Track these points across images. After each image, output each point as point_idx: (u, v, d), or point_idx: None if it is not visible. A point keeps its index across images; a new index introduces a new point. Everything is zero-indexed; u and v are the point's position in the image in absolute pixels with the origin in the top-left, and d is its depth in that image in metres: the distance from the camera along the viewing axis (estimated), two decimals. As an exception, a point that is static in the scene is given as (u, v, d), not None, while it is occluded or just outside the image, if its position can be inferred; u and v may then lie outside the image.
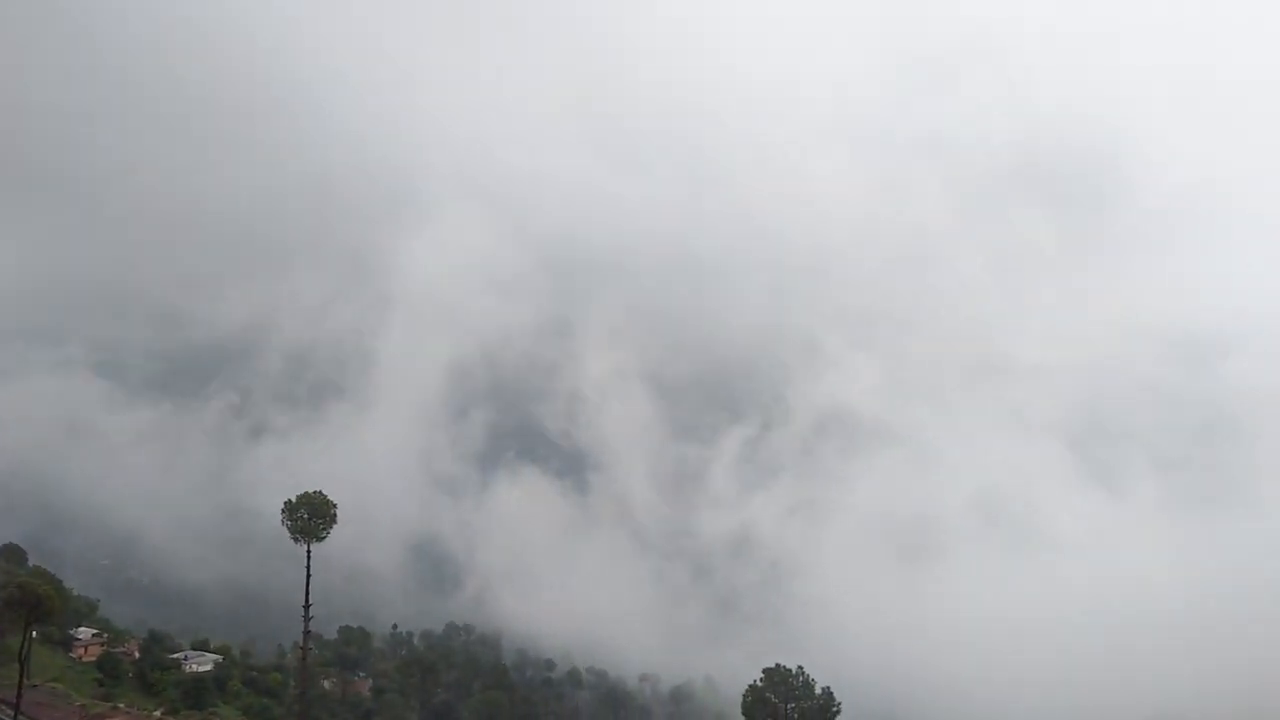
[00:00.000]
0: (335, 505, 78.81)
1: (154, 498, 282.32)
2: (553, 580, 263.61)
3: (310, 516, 77.42)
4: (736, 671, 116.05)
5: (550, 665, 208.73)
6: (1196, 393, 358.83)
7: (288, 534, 76.42)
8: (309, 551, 76.66)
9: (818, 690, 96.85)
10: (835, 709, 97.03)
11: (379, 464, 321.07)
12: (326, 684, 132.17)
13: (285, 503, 77.80)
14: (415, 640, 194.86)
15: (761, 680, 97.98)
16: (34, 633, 74.79)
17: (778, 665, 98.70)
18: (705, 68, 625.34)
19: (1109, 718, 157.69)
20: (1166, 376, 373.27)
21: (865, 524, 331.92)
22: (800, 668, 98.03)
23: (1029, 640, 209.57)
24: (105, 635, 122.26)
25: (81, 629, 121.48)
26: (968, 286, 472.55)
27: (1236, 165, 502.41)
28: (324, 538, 77.96)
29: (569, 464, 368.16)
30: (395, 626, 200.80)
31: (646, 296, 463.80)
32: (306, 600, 79.36)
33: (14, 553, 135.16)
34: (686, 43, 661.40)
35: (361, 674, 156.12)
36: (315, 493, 78.64)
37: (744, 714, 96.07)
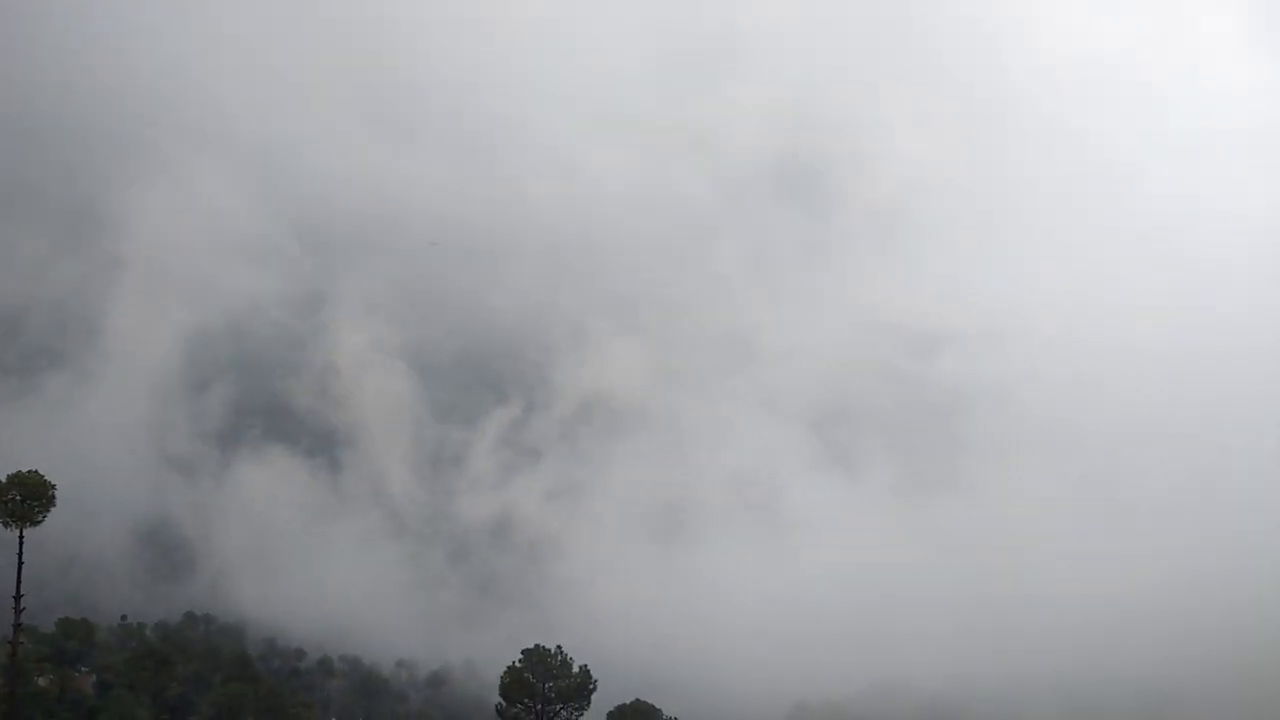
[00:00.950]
0: (54, 486, 74.39)
1: None
2: (302, 565, 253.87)
3: (23, 498, 72.74)
4: (496, 654, 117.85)
5: (300, 654, 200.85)
6: (924, 383, 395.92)
7: (-4, 518, 71.67)
8: (21, 537, 72.11)
9: (575, 669, 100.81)
10: (592, 686, 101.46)
11: (104, 441, 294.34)
12: (42, 681, 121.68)
13: (-7, 483, 72.81)
14: (148, 631, 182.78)
15: (520, 661, 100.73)
16: None
17: (537, 646, 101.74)
18: (479, 49, 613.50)
19: (841, 688, 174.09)
20: (900, 367, 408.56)
21: (624, 507, 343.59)
22: (559, 648, 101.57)
23: (774, 618, 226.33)
24: None
25: None
26: (727, 278, 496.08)
27: (966, 168, 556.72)
28: (40, 521, 73.48)
29: (319, 443, 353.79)
30: (124, 617, 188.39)
31: (409, 272, 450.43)
32: (18, 590, 74.39)
33: None
34: (463, 26, 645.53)
35: (84, 669, 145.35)
36: (30, 472, 73.90)
37: (502, 695, 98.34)
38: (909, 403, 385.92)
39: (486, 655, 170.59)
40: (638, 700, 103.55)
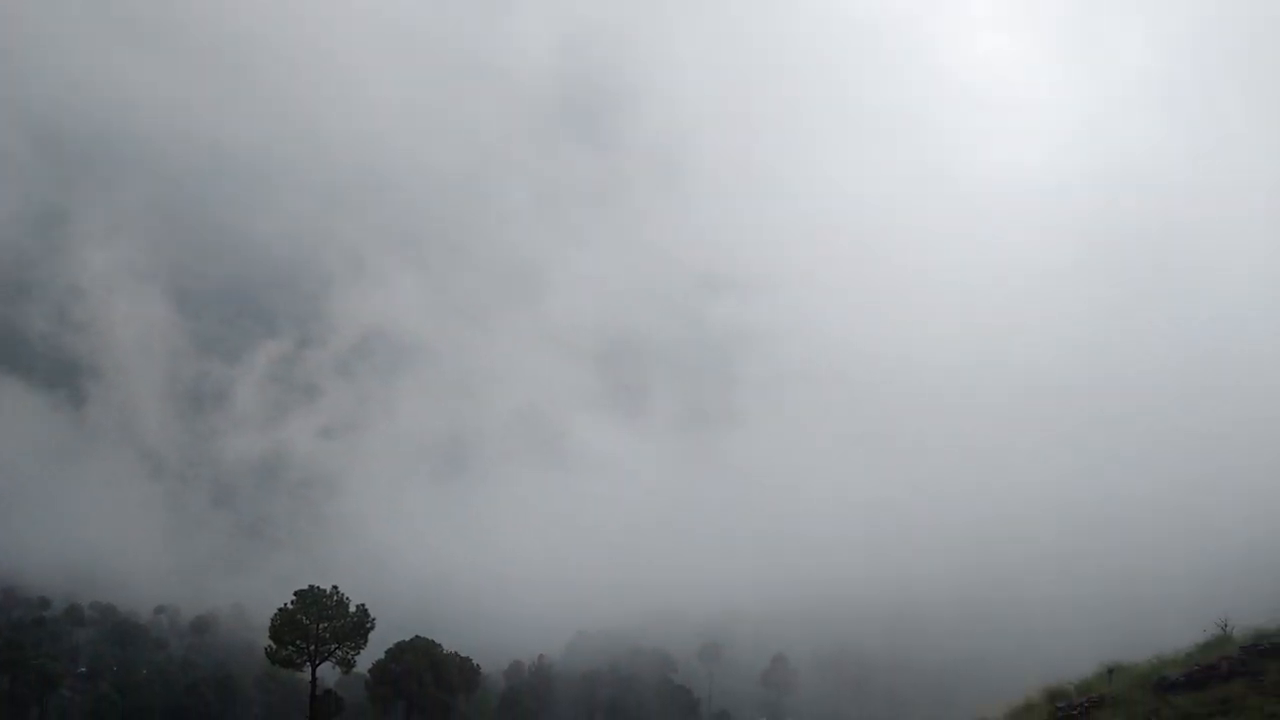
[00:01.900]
0: None
1: None
2: (42, 508, 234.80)
3: None
4: (267, 597, 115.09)
5: (44, 603, 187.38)
6: (706, 322, 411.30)
7: None
8: None
9: (352, 608, 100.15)
10: (370, 624, 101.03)
11: None
12: None
13: None
14: None
15: (293, 602, 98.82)
16: None
17: (311, 587, 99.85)
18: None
19: (620, 617, 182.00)
20: (683, 306, 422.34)
21: (405, 444, 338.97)
22: (335, 588, 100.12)
23: (558, 552, 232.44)
24: None
25: None
26: (513, 213, 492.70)
27: (749, 113, 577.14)
28: None
29: (59, 373, 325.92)
30: None
31: (166, 193, 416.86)
32: None
33: None
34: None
35: None
36: None
37: (272, 638, 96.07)
38: (691, 340, 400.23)
39: (256, 599, 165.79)
40: (417, 637, 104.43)
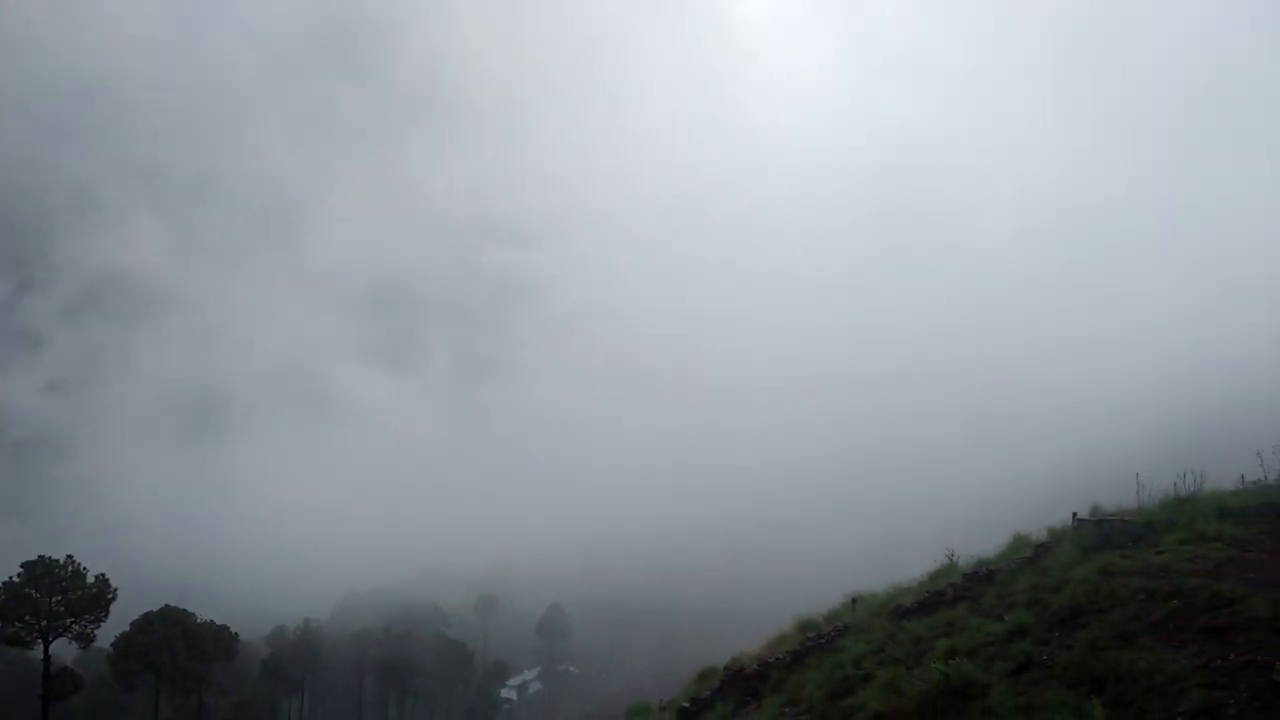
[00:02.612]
0: None
1: None
2: None
3: None
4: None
5: None
6: (478, 273, 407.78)
7: None
8: None
9: (90, 579, 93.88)
10: (111, 595, 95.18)
11: None
12: None
13: None
14: None
15: (19, 576, 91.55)
16: None
17: (40, 557, 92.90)
18: None
19: (392, 575, 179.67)
20: (457, 253, 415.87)
21: (146, 400, 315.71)
22: (70, 557, 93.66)
23: (324, 512, 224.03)
24: None
25: None
26: (268, 147, 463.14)
27: (523, 57, 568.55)
28: None
29: None
30: None
31: None
32: None
33: None
34: None
35: None
36: None
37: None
38: (463, 288, 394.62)
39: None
40: (167, 606, 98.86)
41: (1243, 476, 21.63)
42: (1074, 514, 23.01)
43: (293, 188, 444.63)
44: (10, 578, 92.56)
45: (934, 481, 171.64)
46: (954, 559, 26.06)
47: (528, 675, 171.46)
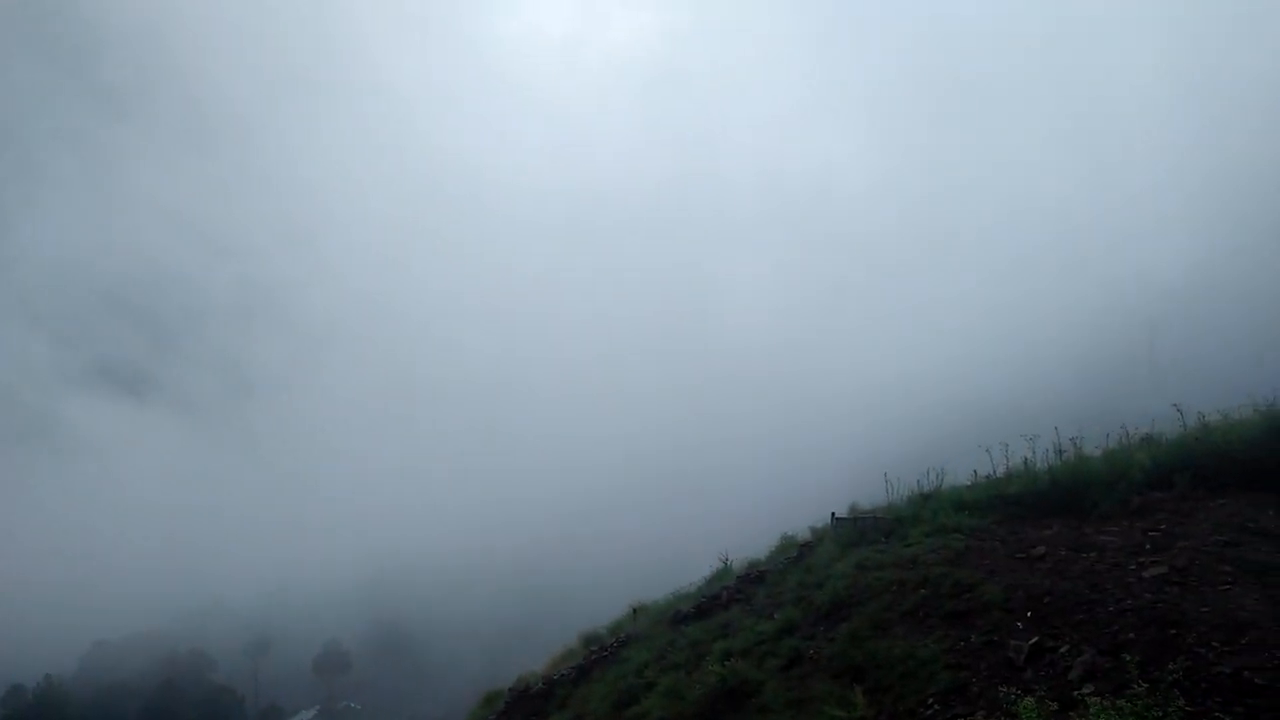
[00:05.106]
0: None
1: None
2: None
3: None
4: None
5: None
6: (208, 287, 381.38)
7: None
8: None
9: None
10: None
11: None
12: None
13: None
14: None
15: None
16: None
17: None
18: None
19: (149, 619, 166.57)
20: (182, 269, 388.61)
21: None
22: None
23: (62, 555, 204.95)
24: None
25: None
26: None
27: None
28: None
29: None
30: None
31: None
32: None
33: None
34: None
35: None
36: None
37: None
38: (196, 304, 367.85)
39: None
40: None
41: (975, 471, 23.85)
42: (833, 513, 24.65)
43: None
44: None
45: (716, 488, 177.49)
46: (728, 562, 27.24)
47: (304, 716, 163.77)
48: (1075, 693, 13.30)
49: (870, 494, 25.14)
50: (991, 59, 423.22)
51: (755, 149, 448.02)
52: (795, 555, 24.35)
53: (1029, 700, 12.79)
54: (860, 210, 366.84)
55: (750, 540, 27.97)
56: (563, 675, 25.12)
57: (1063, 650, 14.81)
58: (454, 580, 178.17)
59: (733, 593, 23.96)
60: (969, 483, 23.49)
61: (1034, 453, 22.94)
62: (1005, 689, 13.99)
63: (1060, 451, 22.47)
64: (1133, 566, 16.93)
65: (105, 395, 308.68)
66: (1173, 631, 14.28)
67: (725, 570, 26.91)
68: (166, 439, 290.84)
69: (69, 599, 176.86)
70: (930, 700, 14.99)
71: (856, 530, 23.04)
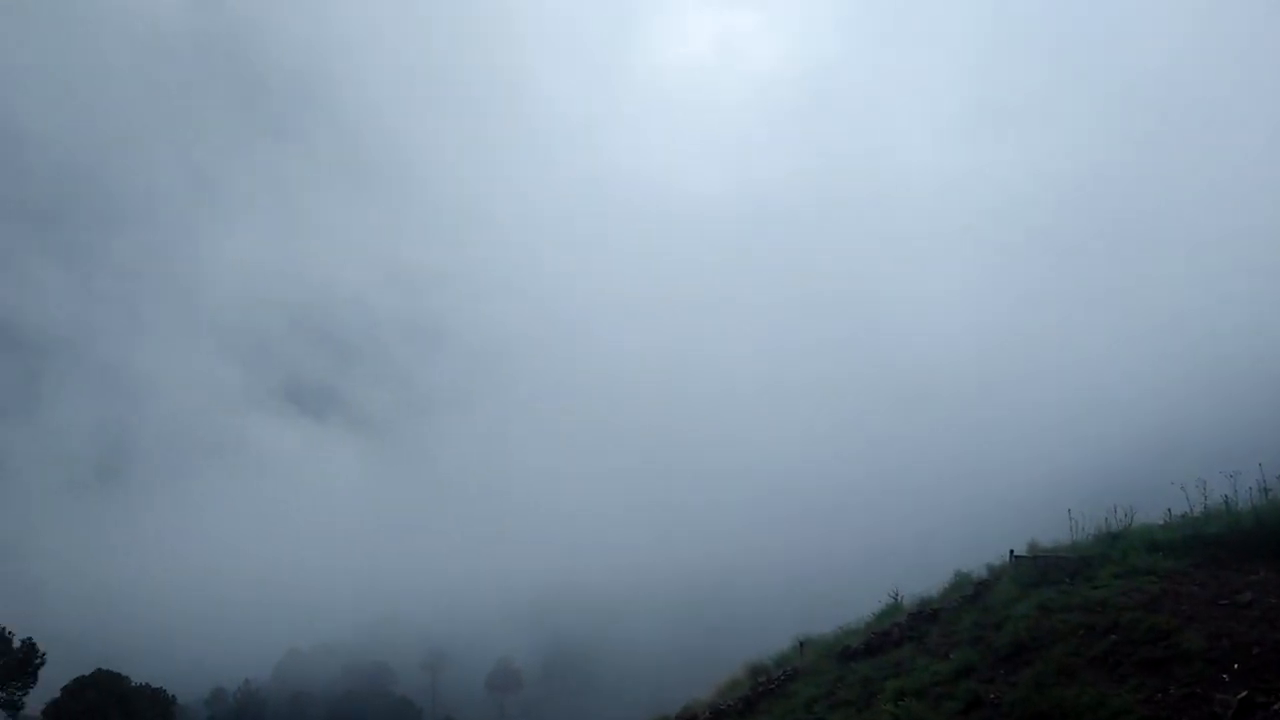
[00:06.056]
0: None
1: None
2: None
3: None
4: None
5: None
6: (384, 315, 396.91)
7: None
8: None
9: (16, 644, 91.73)
10: (39, 661, 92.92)
11: None
12: None
13: None
14: None
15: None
16: None
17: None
18: None
19: (334, 630, 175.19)
20: (357, 299, 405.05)
21: (43, 455, 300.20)
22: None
23: (251, 565, 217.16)
24: None
25: None
26: (166, 193, 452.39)
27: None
28: None
29: None
30: None
31: None
32: None
33: None
34: None
35: None
36: None
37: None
38: (371, 332, 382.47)
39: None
40: (99, 670, 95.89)
41: (1169, 510, 22.37)
42: (1011, 551, 23.57)
43: (190, 232, 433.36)
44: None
45: (887, 518, 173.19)
46: (898, 599, 26.46)
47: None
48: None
49: (1051, 531, 23.96)
50: (1161, 58, 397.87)
51: (921, 165, 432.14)
52: (971, 594, 23.46)
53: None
54: (1049, 221, 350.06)
55: (922, 575, 27.10)
56: (729, 706, 24.94)
57: (1275, 708, 13.74)
58: (623, 601, 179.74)
59: (904, 630, 23.30)
60: (1162, 522, 22.11)
61: (1235, 491, 21.40)
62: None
63: (1266, 490, 20.88)
64: (1353, 618, 15.58)
65: (289, 415, 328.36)
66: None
67: (895, 606, 26.15)
68: (347, 456, 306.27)
69: (265, 608, 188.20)
70: (1124, 753, 14.22)
71: (1038, 569, 21.97)
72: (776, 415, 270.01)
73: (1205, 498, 21.83)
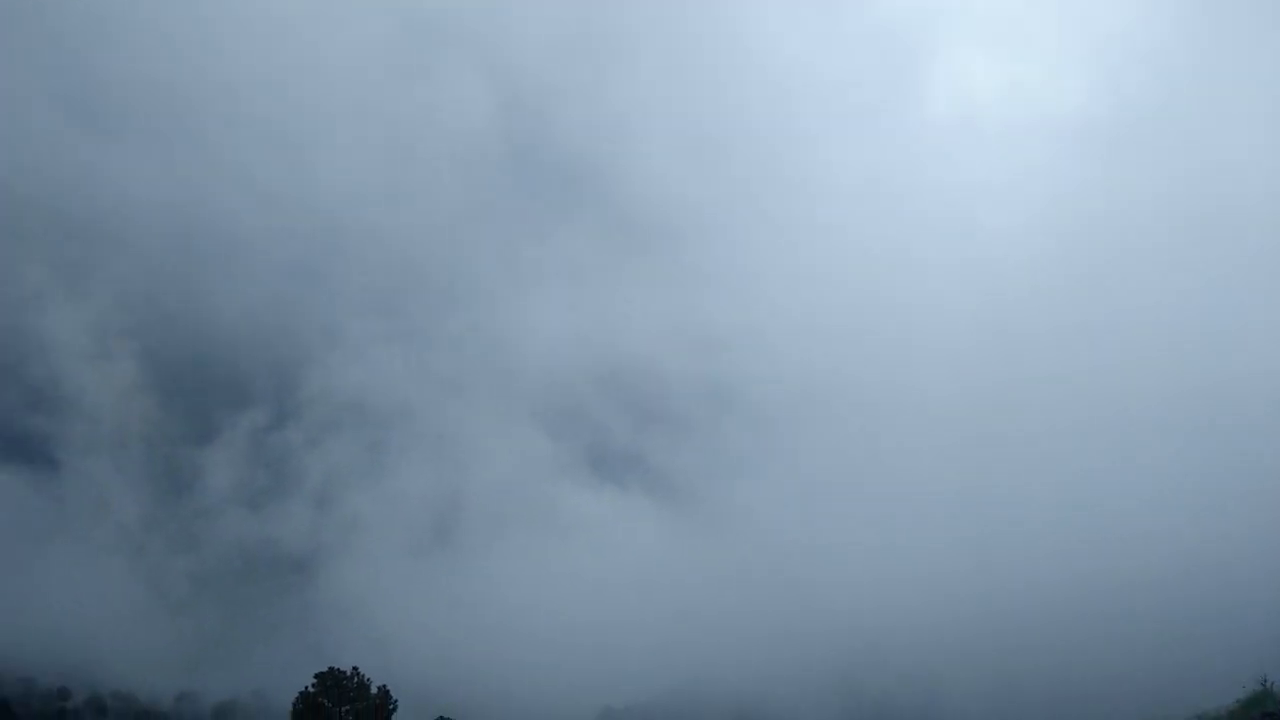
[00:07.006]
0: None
1: None
2: (26, 592, 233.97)
3: None
4: (285, 681, 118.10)
5: (65, 694, 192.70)
6: (675, 380, 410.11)
7: None
8: None
9: (374, 690, 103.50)
10: (393, 706, 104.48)
11: None
12: None
13: None
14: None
15: (314, 685, 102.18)
16: None
17: (330, 669, 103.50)
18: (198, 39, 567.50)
19: (646, 691, 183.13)
20: (678, 366, 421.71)
21: (390, 519, 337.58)
22: (355, 669, 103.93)
23: (562, 625, 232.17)
24: None
25: None
26: (487, 276, 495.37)
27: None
28: None
29: (31, 452, 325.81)
30: None
31: (135, 268, 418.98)
32: None
33: None
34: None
35: None
36: None
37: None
38: (662, 400, 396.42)
39: (275, 682, 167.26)
40: (442, 718, 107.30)
41: None
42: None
43: (504, 310, 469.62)
44: (305, 688, 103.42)
45: (1245, 584, 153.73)
46: (1268, 684, 26.14)
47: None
48: None
49: None
50: None
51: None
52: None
53: None
54: None
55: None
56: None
57: None
58: (932, 670, 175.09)
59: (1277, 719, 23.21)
60: None
61: None
62: None
63: None
64: None
65: (589, 483, 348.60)
66: None
67: (1264, 694, 25.86)
68: (650, 519, 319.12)
69: (580, 667, 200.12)
70: None
71: None
72: (1114, 458, 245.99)
73: None
